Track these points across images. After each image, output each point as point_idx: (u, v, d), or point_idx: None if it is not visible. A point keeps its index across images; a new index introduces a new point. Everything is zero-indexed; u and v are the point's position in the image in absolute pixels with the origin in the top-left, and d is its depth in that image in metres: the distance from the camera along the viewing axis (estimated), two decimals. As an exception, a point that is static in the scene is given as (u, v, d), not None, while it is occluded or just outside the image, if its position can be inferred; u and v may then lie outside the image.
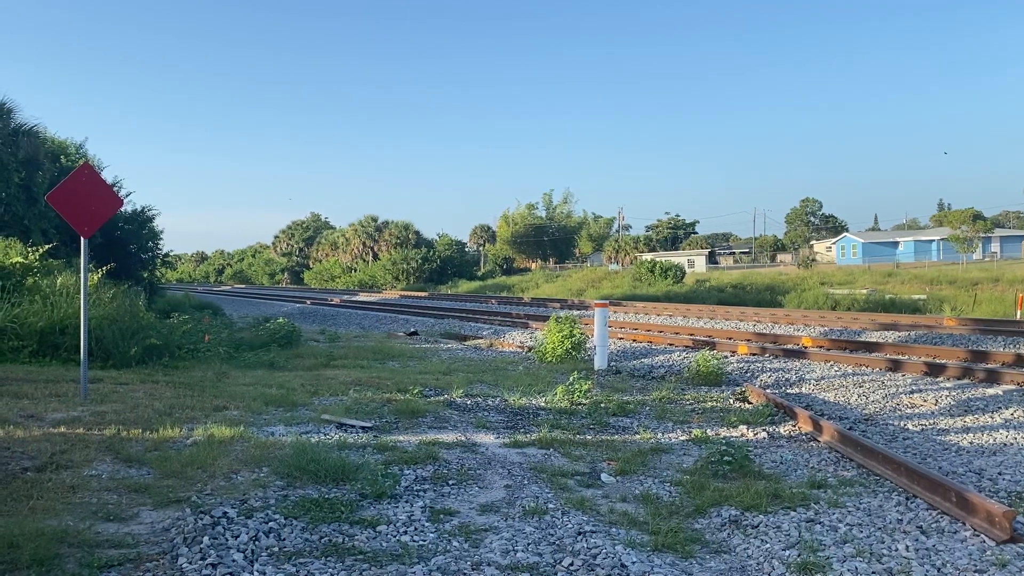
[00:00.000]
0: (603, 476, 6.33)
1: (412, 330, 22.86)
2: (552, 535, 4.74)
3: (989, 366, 11.55)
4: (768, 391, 10.54)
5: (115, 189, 18.56)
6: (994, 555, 4.46)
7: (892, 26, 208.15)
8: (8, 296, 12.46)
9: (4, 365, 10.75)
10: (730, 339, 16.81)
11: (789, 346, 15.16)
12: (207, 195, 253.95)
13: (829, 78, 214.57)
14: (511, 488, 5.83)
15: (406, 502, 5.30)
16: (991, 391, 9.88)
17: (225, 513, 4.70)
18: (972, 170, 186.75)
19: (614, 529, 4.98)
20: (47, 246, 15.47)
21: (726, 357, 13.82)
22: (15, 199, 19.88)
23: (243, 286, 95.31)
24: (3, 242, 14.84)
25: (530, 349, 16.57)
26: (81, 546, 4.15)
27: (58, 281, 13.40)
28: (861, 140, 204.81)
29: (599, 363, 13.33)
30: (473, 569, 4.14)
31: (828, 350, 14.56)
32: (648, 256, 68.05)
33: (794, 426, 8.34)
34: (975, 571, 4.27)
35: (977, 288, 35.18)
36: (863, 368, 12.24)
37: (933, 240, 76.26)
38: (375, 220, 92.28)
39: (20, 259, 13.96)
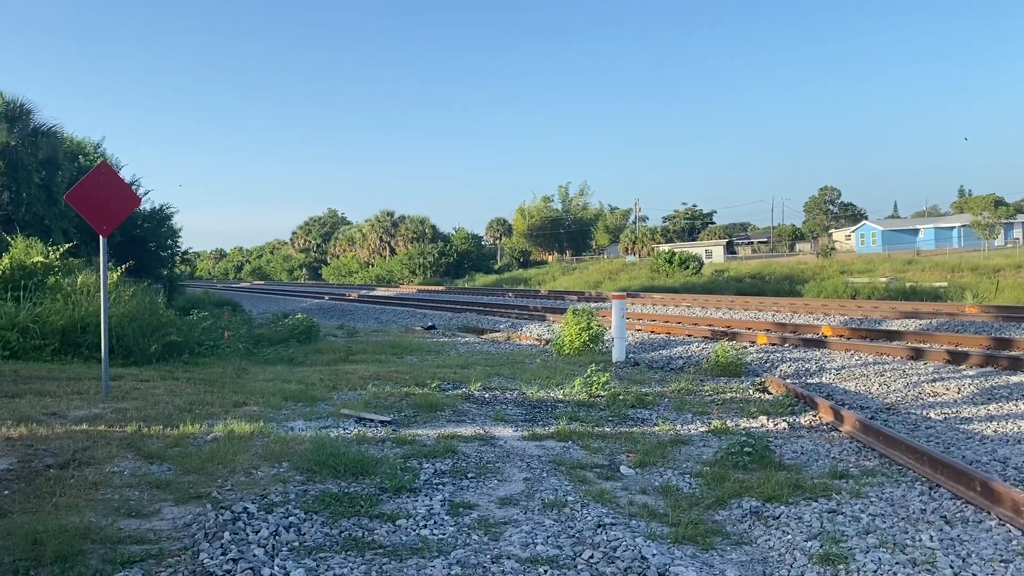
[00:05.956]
0: (622, 468, 6.31)
1: (430, 324, 22.90)
2: (572, 528, 4.73)
3: (1013, 353, 11.40)
4: (788, 381, 10.47)
5: (133, 188, 18.70)
6: (1020, 545, 4.40)
7: (908, 10, 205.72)
8: (30, 295, 12.60)
9: (27, 363, 10.86)
10: (749, 329, 16.71)
11: (809, 336, 15.05)
12: (225, 193, 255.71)
13: (846, 64, 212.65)
14: (530, 481, 5.82)
15: (425, 496, 5.31)
16: (1015, 379, 9.75)
17: (246, 508, 4.72)
18: (993, 155, 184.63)
19: (634, 521, 4.96)
20: (67, 245, 15.64)
21: (745, 348, 13.73)
22: (35, 199, 20.10)
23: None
24: (24, 242, 14.99)
25: (547, 342, 16.55)
26: (104, 542, 4.19)
27: (79, 280, 13.52)
28: (880, 127, 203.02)
29: (617, 355, 13.30)
30: (493, 562, 4.13)
31: (848, 339, 14.44)
32: (666, 247, 67.76)
33: (815, 416, 8.28)
34: (1001, 561, 4.21)
35: (999, 275, 34.71)
36: (884, 357, 12.13)
37: (954, 227, 75.41)
38: (391, 215, 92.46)
39: (41, 258, 14.11)
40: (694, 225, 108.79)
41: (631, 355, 14.06)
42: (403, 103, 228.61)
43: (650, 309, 24.44)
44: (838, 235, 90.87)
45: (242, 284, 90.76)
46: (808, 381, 10.91)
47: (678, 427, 7.91)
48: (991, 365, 10.78)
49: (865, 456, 6.61)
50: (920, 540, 4.55)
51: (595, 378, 9.85)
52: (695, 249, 68.42)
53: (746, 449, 6.35)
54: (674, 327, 17.59)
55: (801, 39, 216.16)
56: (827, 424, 7.89)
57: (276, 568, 3.94)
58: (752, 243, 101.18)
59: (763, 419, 8.21)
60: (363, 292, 47.38)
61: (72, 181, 19.08)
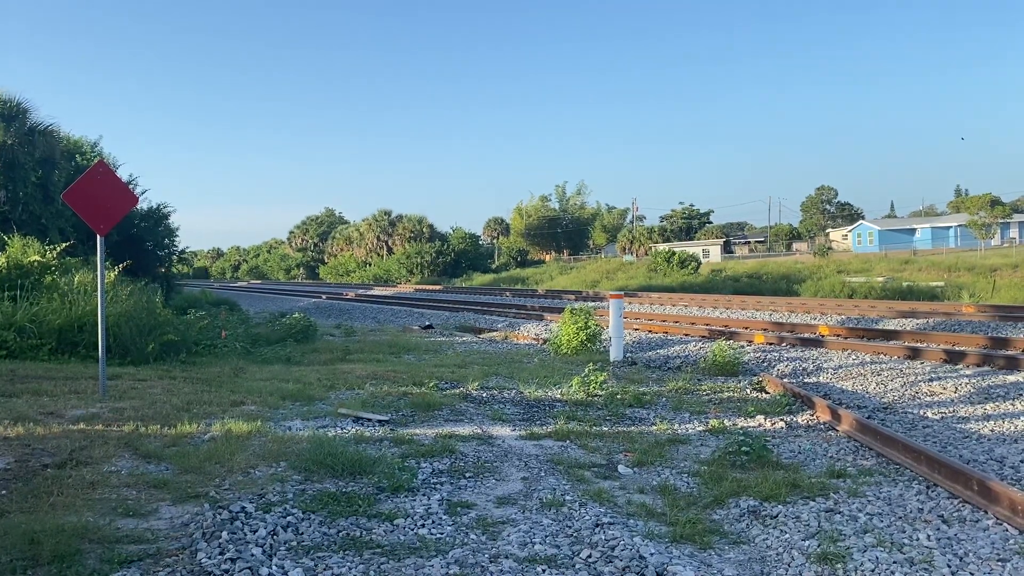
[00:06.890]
0: (620, 468, 6.31)
1: (427, 324, 22.89)
2: (570, 527, 4.73)
3: (1009, 353, 11.42)
4: (785, 380, 10.48)
5: (130, 187, 18.69)
6: (1017, 544, 4.41)
7: (907, 10, 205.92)
8: (27, 295, 12.56)
9: (24, 363, 10.84)
10: (746, 329, 16.71)
11: (806, 335, 15.06)
12: (222, 192, 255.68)
13: (843, 64, 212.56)
14: (528, 480, 5.82)
15: (423, 495, 5.30)
16: (1012, 378, 9.77)
17: (243, 508, 4.72)
18: (990, 155, 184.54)
19: (632, 521, 4.96)
20: (64, 244, 15.58)
21: (742, 347, 13.74)
22: (32, 198, 20.05)
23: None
24: (21, 241, 14.95)
25: (545, 341, 16.55)
26: (101, 542, 4.18)
27: (75, 279, 13.49)
28: (877, 126, 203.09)
29: (615, 354, 13.31)
30: (491, 562, 4.13)
31: (845, 339, 14.46)
32: (663, 246, 67.76)
33: (812, 415, 8.28)
34: (998, 560, 4.22)
35: (996, 274, 34.77)
36: (881, 356, 12.14)
37: (950, 227, 75.53)
38: (388, 214, 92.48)
39: (38, 258, 14.06)
40: (691, 225, 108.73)
41: (628, 354, 14.07)
42: (401, 103, 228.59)
43: (647, 308, 24.45)
44: (835, 235, 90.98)
45: (239, 283, 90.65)
46: (805, 380, 10.92)
47: (676, 426, 7.92)
48: (988, 364, 10.80)
49: (862, 455, 6.62)
50: (917, 539, 4.56)
51: (593, 377, 9.85)
52: (692, 248, 68.41)
53: (744, 448, 6.36)
54: (671, 326, 17.59)
55: (799, 39, 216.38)
56: (824, 423, 7.90)
57: (274, 567, 3.93)
58: (749, 242, 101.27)
59: (760, 418, 8.22)
60: (360, 291, 47.32)
61: (69, 180, 19.04)
